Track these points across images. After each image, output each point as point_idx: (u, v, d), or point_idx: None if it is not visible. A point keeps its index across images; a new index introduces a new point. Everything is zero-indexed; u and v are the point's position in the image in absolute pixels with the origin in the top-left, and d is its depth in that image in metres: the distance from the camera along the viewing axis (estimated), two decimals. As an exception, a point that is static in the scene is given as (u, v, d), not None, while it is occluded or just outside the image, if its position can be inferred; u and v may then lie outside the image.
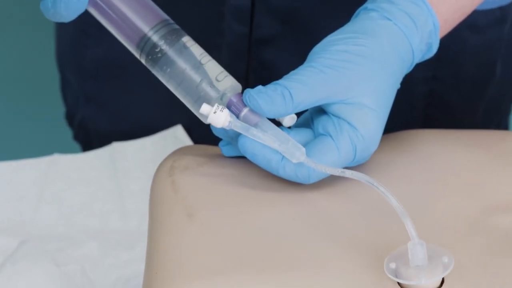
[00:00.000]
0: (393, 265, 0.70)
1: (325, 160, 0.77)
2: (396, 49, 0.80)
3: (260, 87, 0.78)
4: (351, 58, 0.79)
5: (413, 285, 0.70)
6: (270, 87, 0.77)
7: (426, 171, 0.82)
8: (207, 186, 0.79)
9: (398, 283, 0.70)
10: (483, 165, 0.83)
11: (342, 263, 0.72)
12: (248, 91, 0.78)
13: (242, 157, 0.81)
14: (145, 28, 0.79)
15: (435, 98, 1.13)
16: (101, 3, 0.80)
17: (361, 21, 0.82)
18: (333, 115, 0.79)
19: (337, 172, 0.76)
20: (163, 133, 1.12)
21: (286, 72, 0.79)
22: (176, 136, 1.12)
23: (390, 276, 0.70)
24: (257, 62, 1.10)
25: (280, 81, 0.78)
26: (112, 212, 1.05)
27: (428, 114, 1.14)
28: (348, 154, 0.78)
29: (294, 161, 0.77)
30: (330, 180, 0.80)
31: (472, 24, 1.08)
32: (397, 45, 0.81)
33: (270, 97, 0.77)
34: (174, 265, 0.72)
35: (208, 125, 0.79)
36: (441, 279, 0.70)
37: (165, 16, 0.81)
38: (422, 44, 0.82)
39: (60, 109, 1.32)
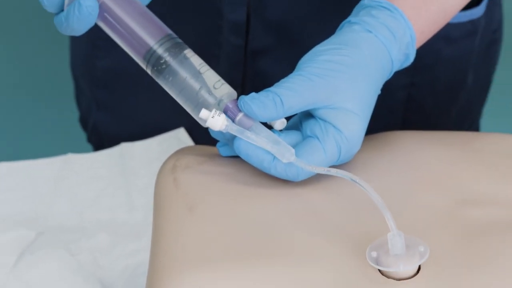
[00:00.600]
0: (374, 254, 0.70)
1: (313, 160, 0.77)
2: (377, 59, 0.80)
3: (253, 94, 0.78)
4: (335, 67, 0.78)
5: (392, 272, 0.70)
6: (263, 93, 0.77)
7: (403, 168, 0.82)
8: (206, 182, 0.79)
9: (379, 270, 0.70)
10: (456, 162, 0.82)
11: (327, 251, 0.72)
12: (243, 97, 0.78)
13: (237, 157, 0.81)
14: (151, 42, 0.79)
15: (413, 103, 1.12)
16: (109, 18, 0.79)
17: (345, 33, 0.81)
18: (319, 118, 0.78)
19: (324, 170, 0.76)
20: (167, 135, 1.12)
21: (279, 80, 0.79)
22: (179, 138, 1.11)
23: (371, 263, 0.70)
24: (252, 71, 1.09)
25: (271, 88, 0.78)
26: (121, 206, 1.04)
27: (406, 118, 1.13)
28: (333, 154, 0.78)
29: (285, 161, 0.77)
30: (317, 178, 0.80)
31: (446, 36, 1.07)
32: (377, 55, 0.80)
33: (263, 102, 0.77)
34: (176, 254, 0.72)
35: (207, 128, 0.79)
36: (417, 266, 0.70)
37: (169, 31, 0.80)
38: (400, 54, 0.82)
39: (74, 114, 1.31)
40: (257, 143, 0.77)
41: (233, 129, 0.77)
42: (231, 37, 1.07)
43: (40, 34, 1.89)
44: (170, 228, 0.75)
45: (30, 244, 0.98)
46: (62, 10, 0.80)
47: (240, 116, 0.78)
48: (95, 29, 0.82)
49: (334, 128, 0.78)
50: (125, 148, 1.10)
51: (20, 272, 0.94)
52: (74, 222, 1.02)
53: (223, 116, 0.77)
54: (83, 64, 1.21)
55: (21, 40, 1.91)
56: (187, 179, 0.80)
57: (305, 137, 0.79)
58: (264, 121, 0.78)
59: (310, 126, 0.79)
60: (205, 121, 0.77)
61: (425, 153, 0.84)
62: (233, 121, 0.78)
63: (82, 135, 1.29)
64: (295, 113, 0.79)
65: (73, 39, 1.23)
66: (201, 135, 1.04)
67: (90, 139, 1.27)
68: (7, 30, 1.87)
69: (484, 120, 1.27)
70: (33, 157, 1.10)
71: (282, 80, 0.79)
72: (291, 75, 0.79)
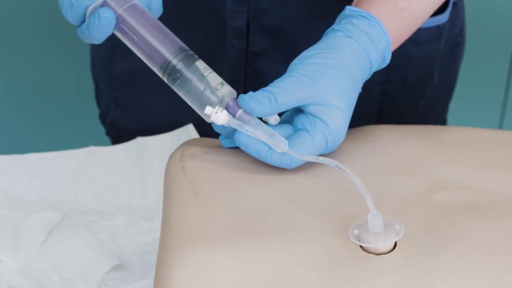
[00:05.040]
0: (356, 232, 0.69)
1: (303, 149, 0.76)
2: (358, 61, 0.79)
3: (251, 92, 0.76)
4: (322, 69, 0.77)
5: (372, 248, 0.68)
6: (259, 92, 0.76)
7: (381, 157, 0.80)
8: (210, 170, 0.78)
9: (361, 246, 0.69)
10: (427, 152, 0.81)
11: (315, 229, 0.70)
12: (242, 96, 0.76)
13: (237, 148, 0.80)
14: (167, 54, 0.77)
15: (387, 97, 1.11)
16: (125, 29, 0.78)
17: (330, 39, 0.80)
18: (309, 113, 0.77)
19: (313, 159, 0.75)
20: (177, 131, 1.11)
21: (276, 77, 0.78)
22: (188, 133, 1.10)
23: (354, 240, 0.68)
24: (253, 70, 1.08)
25: (266, 88, 0.76)
26: (136, 192, 1.03)
27: (381, 111, 1.12)
28: (321, 144, 0.77)
29: (279, 151, 0.75)
30: (307, 165, 0.78)
31: (415, 39, 1.06)
32: (358, 58, 0.79)
33: (259, 100, 0.75)
34: (183, 232, 0.70)
35: (211, 123, 0.78)
36: (394, 243, 0.69)
37: (181, 43, 0.78)
38: (378, 56, 0.81)
39: (95, 111, 1.30)
40: (255, 135, 0.76)
41: (234, 123, 0.76)
42: (234, 41, 1.06)
43: (66, 44, 1.90)
44: (178, 210, 0.74)
45: (57, 224, 0.97)
46: (84, 23, 0.78)
47: (239, 112, 0.76)
48: (113, 36, 0.80)
49: (321, 121, 0.76)
50: (140, 142, 1.08)
51: (48, 248, 0.94)
52: (95, 206, 1.01)
53: (225, 112, 0.75)
54: (102, 67, 1.19)
55: (49, 49, 1.92)
56: (193, 166, 0.78)
57: (296, 130, 0.78)
58: (260, 116, 0.77)
59: (300, 120, 0.78)
60: (209, 116, 0.76)
61: (399, 144, 0.82)
62: (233, 116, 0.76)
63: (101, 129, 1.28)
64: (287, 109, 0.77)
65: (94, 46, 1.22)
66: (206, 130, 1.03)
67: (108, 133, 1.26)
68: (39, 42, 1.89)
69: (450, 115, 1.26)
70: (59, 148, 1.09)
71: (276, 80, 0.77)
72: (283, 76, 0.77)
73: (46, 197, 1.01)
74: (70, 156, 1.06)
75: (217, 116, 0.75)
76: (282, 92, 0.75)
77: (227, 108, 0.76)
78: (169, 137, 1.09)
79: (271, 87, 0.76)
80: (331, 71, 0.77)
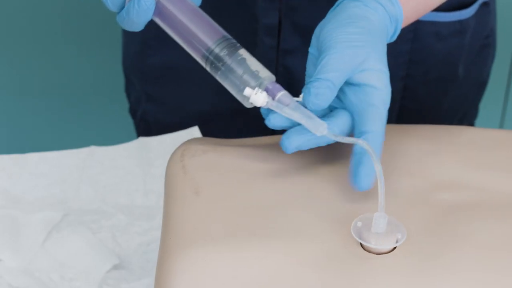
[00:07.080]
0: (359, 223, 0.69)
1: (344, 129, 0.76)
2: (382, 28, 0.79)
3: (311, 88, 0.75)
4: (359, 38, 0.76)
5: (372, 247, 0.68)
6: (315, 84, 0.75)
7: (383, 157, 0.79)
8: (210, 169, 0.78)
9: (361, 245, 0.69)
10: (426, 152, 0.80)
11: (316, 229, 0.71)
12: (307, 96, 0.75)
13: (238, 147, 0.80)
14: (209, 43, 0.78)
15: (408, 92, 1.11)
16: (166, 15, 0.78)
17: (350, 9, 0.79)
18: (354, 84, 0.76)
19: (351, 140, 0.73)
20: (180, 132, 1.11)
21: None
22: (192, 135, 1.10)
23: (354, 235, 0.68)
24: (283, 67, 1.08)
25: (321, 76, 0.75)
26: (137, 191, 1.04)
27: (402, 105, 1.12)
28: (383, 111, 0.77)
29: (318, 134, 0.74)
30: (308, 165, 0.78)
31: (437, 33, 1.06)
32: (381, 25, 0.79)
33: (323, 94, 0.74)
34: (183, 232, 0.71)
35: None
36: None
37: (224, 32, 0.79)
38: (391, 28, 0.81)
39: (123, 105, 1.30)
40: (294, 118, 0.74)
41: (273, 106, 0.75)
42: (265, 38, 1.06)
43: (98, 38, 1.92)
44: (178, 209, 0.74)
45: (57, 224, 0.97)
46: (123, 8, 0.79)
47: (279, 95, 0.75)
48: (146, 29, 0.81)
49: (371, 87, 0.76)
50: (142, 142, 1.09)
51: (49, 248, 0.94)
52: (96, 206, 1.02)
53: (264, 93, 0.75)
54: (134, 61, 1.20)
55: (50, 48, 1.93)
56: (194, 165, 0.78)
57: (333, 109, 0.77)
58: (325, 106, 0.75)
59: (347, 95, 0.77)
60: (249, 98, 0.75)
61: (401, 144, 0.82)
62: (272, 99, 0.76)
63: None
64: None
65: (126, 40, 1.22)
66: (213, 134, 1.04)
67: (138, 127, 1.27)
68: (41, 40, 1.90)
69: (490, 119, 1.25)
70: (64, 146, 1.10)
71: (323, 64, 0.76)
72: (327, 56, 0.76)
73: (46, 196, 1.02)
74: (71, 156, 1.06)
75: (256, 97, 0.74)
76: (335, 75, 0.75)
77: (266, 91, 0.76)
78: (171, 138, 1.09)
79: (322, 74, 0.75)
80: (367, 39, 0.76)
